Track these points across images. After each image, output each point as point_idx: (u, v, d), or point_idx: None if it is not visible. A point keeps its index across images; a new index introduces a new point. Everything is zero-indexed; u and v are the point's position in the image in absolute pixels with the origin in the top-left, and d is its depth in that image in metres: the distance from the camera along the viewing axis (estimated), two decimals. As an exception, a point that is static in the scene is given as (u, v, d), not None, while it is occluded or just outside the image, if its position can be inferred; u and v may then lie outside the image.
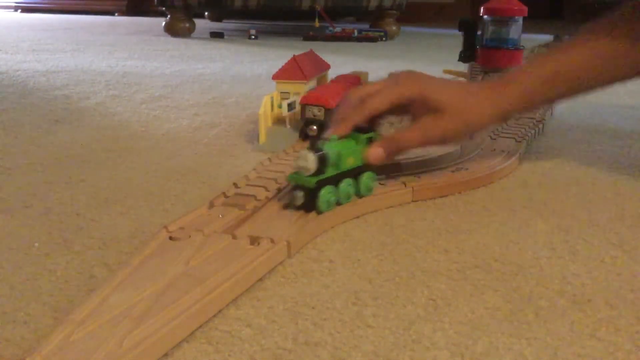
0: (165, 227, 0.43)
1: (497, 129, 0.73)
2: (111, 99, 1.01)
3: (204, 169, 0.63)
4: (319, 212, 0.46)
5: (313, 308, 0.36)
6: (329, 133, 0.49)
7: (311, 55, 0.83)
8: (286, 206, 0.47)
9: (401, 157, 0.61)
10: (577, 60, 0.58)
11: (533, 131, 0.74)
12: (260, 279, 0.39)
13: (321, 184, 0.46)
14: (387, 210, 0.52)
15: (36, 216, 0.50)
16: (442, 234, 0.47)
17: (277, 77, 0.75)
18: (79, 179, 0.59)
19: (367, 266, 0.41)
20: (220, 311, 0.35)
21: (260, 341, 0.33)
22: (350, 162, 0.49)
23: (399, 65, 1.47)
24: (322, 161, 0.46)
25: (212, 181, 0.59)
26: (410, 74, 0.55)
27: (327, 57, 0.89)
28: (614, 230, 0.48)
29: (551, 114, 0.88)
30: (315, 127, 0.68)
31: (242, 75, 1.32)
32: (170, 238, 0.41)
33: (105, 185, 0.57)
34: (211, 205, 0.48)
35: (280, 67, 0.75)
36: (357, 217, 0.50)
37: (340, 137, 0.49)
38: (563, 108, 0.98)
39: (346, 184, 0.48)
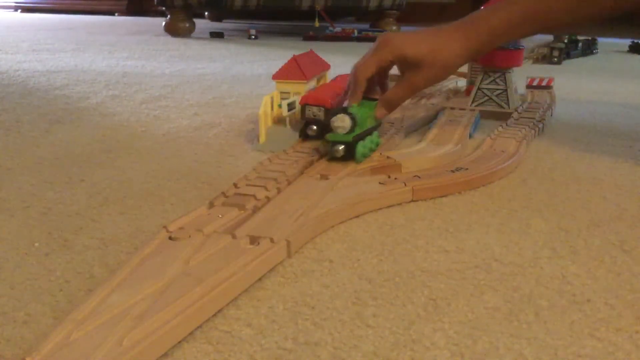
0: (165, 227, 0.43)
1: (497, 129, 0.73)
2: (111, 99, 1.01)
3: (204, 169, 0.63)
4: (357, 162, 0.58)
5: (313, 308, 0.36)
6: (348, 103, 0.63)
7: (311, 55, 0.83)
8: (330, 158, 0.59)
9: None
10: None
11: (533, 131, 0.74)
12: (260, 279, 0.39)
13: (356, 140, 0.58)
14: (387, 210, 0.52)
15: (36, 216, 0.50)
16: (442, 234, 0.47)
17: (277, 77, 0.75)
18: (79, 179, 0.59)
19: (367, 266, 0.41)
20: (220, 311, 0.35)
21: (260, 341, 0.33)
22: (368, 123, 0.62)
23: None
24: (354, 122, 0.58)
25: (212, 181, 0.59)
26: (387, 38, 0.64)
27: (327, 57, 0.89)
28: (614, 230, 0.48)
29: (551, 114, 0.88)
30: (315, 127, 0.68)
31: (242, 75, 1.32)
32: (170, 238, 0.41)
33: (105, 185, 0.57)
34: (211, 205, 0.48)
35: (280, 67, 0.75)
36: (357, 217, 0.50)
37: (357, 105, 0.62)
38: (563, 108, 0.98)
39: (369, 140, 0.61)
